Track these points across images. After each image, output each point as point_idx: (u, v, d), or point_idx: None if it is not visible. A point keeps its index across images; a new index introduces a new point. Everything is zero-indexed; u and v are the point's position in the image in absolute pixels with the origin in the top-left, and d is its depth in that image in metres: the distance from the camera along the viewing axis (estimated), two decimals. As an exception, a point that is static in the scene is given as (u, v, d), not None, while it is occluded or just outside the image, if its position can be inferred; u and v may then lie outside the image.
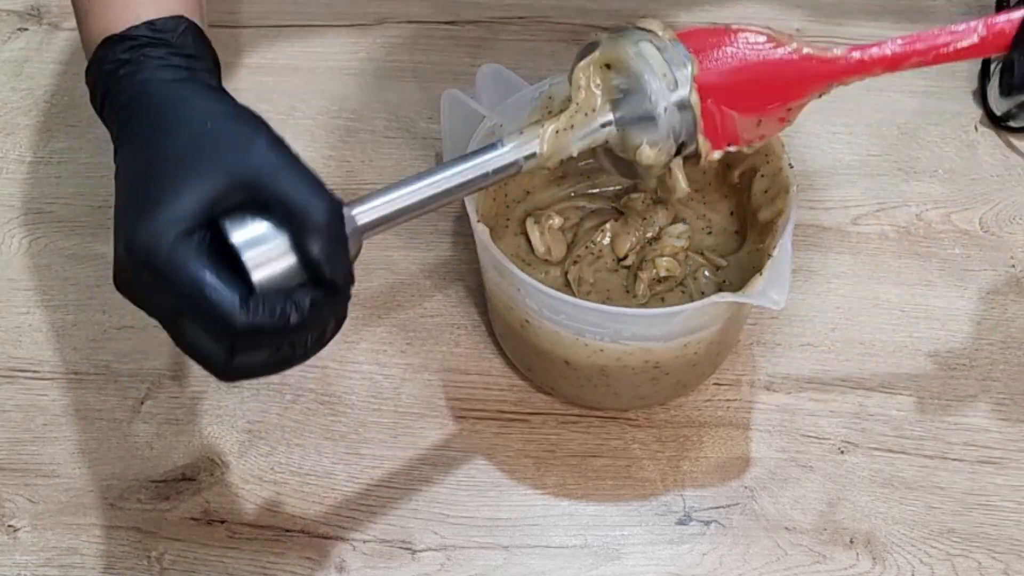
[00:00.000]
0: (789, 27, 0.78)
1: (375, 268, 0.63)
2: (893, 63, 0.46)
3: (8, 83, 0.74)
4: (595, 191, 0.61)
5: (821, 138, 0.70)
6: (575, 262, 0.57)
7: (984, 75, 0.72)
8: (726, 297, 0.47)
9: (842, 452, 0.55)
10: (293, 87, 0.73)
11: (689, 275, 0.56)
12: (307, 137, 0.70)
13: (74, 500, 0.53)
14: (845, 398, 0.57)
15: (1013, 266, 0.63)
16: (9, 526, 0.52)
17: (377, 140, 0.70)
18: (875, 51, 0.46)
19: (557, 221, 0.58)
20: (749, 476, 0.54)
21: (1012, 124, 0.70)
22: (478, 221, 0.51)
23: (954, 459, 0.55)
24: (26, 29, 0.78)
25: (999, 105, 0.71)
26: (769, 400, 0.57)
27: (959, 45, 0.46)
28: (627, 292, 0.56)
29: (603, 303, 0.54)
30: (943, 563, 0.51)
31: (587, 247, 0.57)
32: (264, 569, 0.51)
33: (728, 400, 0.57)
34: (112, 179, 0.67)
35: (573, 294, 0.55)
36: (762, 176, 0.55)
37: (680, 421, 0.56)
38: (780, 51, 0.46)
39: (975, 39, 0.45)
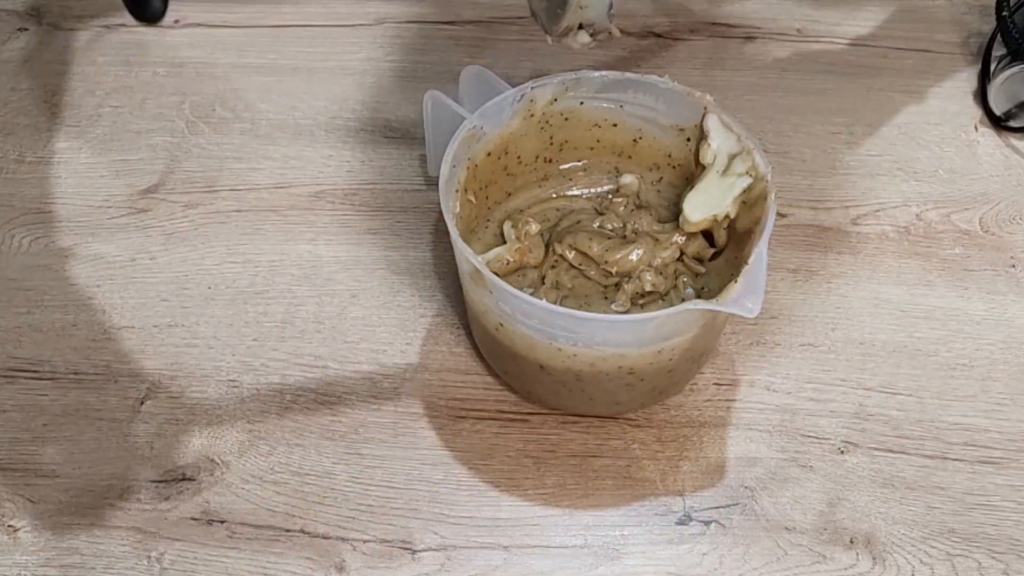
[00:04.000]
0: (790, 27, 0.78)
1: (375, 268, 0.63)
2: None
3: (8, 83, 0.74)
4: (576, 193, 0.61)
5: (821, 138, 0.70)
6: (552, 266, 0.57)
7: (984, 75, 0.72)
8: (699, 304, 0.47)
9: (842, 452, 0.55)
10: (293, 87, 0.73)
11: (672, 288, 0.56)
12: (307, 137, 0.70)
13: (74, 500, 0.53)
14: (845, 398, 0.57)
15: (1013, 266, 0.63)
16: (9, 526, 0.52)
17: (377, 140, 0.70)
18: None
19: (534, 227, 0.57)
20: (749, 476, 0.54)
21: (1012, 124, 0.70)
22: (454, 223, 0.51)
23: (954, 459, 0.55)
24: (26, 29, 0.78)
25: (999, 105, 0.71)
26: (769, 400, 0.57)
27: None
28: (605, 299, 0.56)
29: (579, 309, 0.54)
30: (943, 563, 0.51)
31: (565, 251, 0.57)
32: (264, 569, 0.51)
33: (728, 400, 0.57)
34: (111, 179, 0.68)
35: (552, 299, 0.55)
36: (741, 162, 0.55)
37: (680, 421, 0.56)
38: None
39: None
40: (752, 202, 0.54)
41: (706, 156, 0.55)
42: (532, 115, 0.57)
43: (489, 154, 0.57)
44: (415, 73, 0.74)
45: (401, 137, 0.70)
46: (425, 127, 0.57)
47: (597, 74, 0.57)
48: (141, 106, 0.72)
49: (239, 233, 0.65)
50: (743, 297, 0.46)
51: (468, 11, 0.79)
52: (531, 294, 0.55)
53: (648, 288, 0.55)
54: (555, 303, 0.54)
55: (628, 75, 0.56)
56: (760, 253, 0.47)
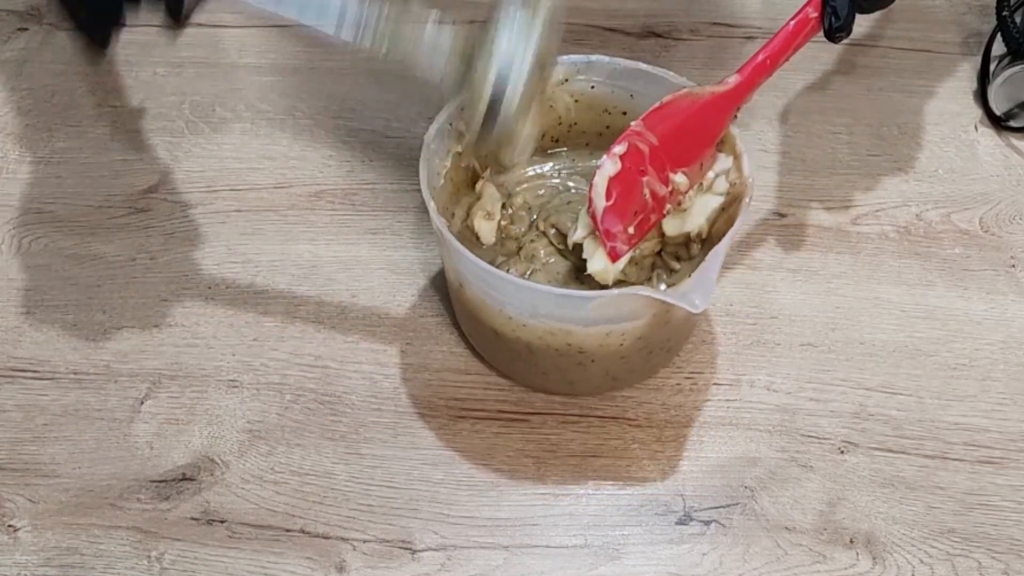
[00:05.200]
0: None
1: (375, 268, 0.63)
2: (765, 70, 0.54)
3: (8, 83, 0.74)
4: (572, 170, 0.61)
5: (821, 138, 0.70)
6: (532, 240, 0.57)
7: (984, 75, 0.72)
8: (641, 291, 0.47)
9: (842, 452, 0.55)
10: (293, 87, 0.73)
11: (646, 280, 0.56)
12: (307, 137, 0.70)
13: (74, 500, 0.53)
14: (845, 398, 0.57)
15: (1013, 266, 0.63)
16: (9, 526, 0.52)
17: (377, 140, 0.70)
18: (749, 69, 0.53)
19: (519, 200, 0.58)
20: (749, 476, 0.54)
21: (1012, 124, 0.70)
22: (427, 180, 0.52)
23: (954, 459, 0.55)
24: (26, 29, 0.78)
25: (999, 105, 0.71)
26: (769, 400, 0.57)
27: (800, 33, 0.53)
28: (577, 280, 0.56)
29: (547, 284, 0.54)
30: (943, 563, 0.51)
31: (547, 228, 0.58)
32: (264, 569, 0.51)
33: (728, 400, 0.57)
34: (111, 179, 0.68)
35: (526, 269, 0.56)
36: (725, 179, 0.56)
37: (680, 421, 0.56)
38: (699, 98, 0.53)
39: (803, 20, 0.53)
40: (729, 203, 0.54)
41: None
42: (541, 92, 0.57)
43: None
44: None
45: (401, 137, 0.70)
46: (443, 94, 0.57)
47: (608, 60, 0.57)
48: (141, 106, 0.72)
49: (239, 233, 0.65)
50: (692, 292, 0.46)
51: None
52: (502, 263, 0.56)
53: (619, 277, 0.55)
54: (523, 275, 0.55)
55: (641, 66, 0.57)
56: (716, 252, 0.47)
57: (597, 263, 0.53)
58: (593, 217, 0.53)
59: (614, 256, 0.53)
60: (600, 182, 0.52)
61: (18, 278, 0.62)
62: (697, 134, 0.54)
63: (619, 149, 0.52)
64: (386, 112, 0.72)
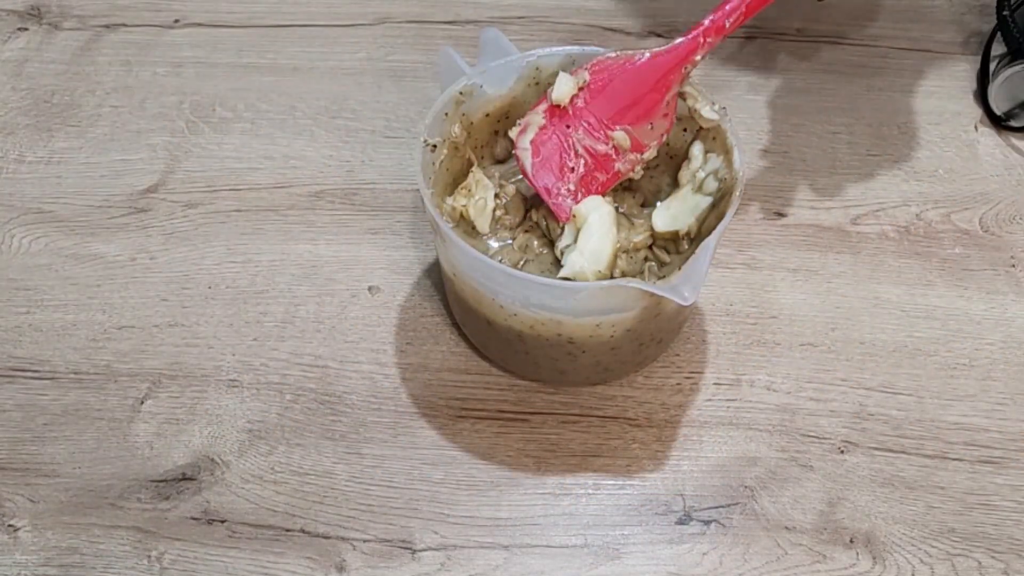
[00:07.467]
0: (790, 27, 0.78)
1: (375, 268, 0.63)
2: (718, 31, 0.55)
3: (8, 83, 0.74)
4: None
5: (821, 138, 0.70)
6: (526, 230, 0.57)
7: (984, 75, 0.72)
8: (631, 283, 0.47)
9: (842, 452, 0.55)
10: (293, 87, 0.73)
11: (639, 272, 0.56)
12: (307, 137, 0.70)
13: (74, 500, 0.53)
14: (845, 398, 0.57)
15: (1013, 266, 0.63)
16: (9, 526, 0.52)
17: (377, 140, 0.70)
18: (700, 28, 0.55)
19: (511, 188, 0.58)
20: (749, 476, 0.54)
21: (1012, 124, 0.70)
22: (420, 167, 0.52)
23: (954, 459, 0.55)
24: (26, 29, 0.78)
25: (999, 105, 0.71)
26: (769, 400, 0.57)
27: None
28: None
29: (540, 275, 0.54)
30: (943, 563, 0.51)
31: (540, 219, 0.58)
32: (264, 569, 0.51)
33: (728, 400, 0.57)
34: (111, 179, 0.68)
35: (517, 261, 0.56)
36: (714, 178, 0.56)
37: (680, 421, 0.56)
38: (636, 60, 0.54)
39: None
40: (719, 200, 0.54)
41: (683, 177, 0.56)
42: (537, 83, 0.57)
43: (488, 115, 0.57)
44: (415, 73, 0.74)
45: (401, 137, 0.70)
46: (440, 80, 0.57)
47: (602, 51, 0.57)
48: (141, 106, 0.72)
49: (239, 233, 0.65)
50: (681, 285, 0.46)
51: (468, 11, 0.79)
52: (495, 252, 0.56)
53: (615, 273, 0.55)
54: (515, 265, 0.55)
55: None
56: (707, 245, 0.47)
57: (571, 265, 0.54)
58: (525, 175, 0.55)
59: (560, 213, 0.55)
60: (523, 143, 0.55)
61: (18, 278, 0.62)
62: (635, 94, 0.55)
63: (539, 108, 0.55)
64: (386, 112, 0.72)
